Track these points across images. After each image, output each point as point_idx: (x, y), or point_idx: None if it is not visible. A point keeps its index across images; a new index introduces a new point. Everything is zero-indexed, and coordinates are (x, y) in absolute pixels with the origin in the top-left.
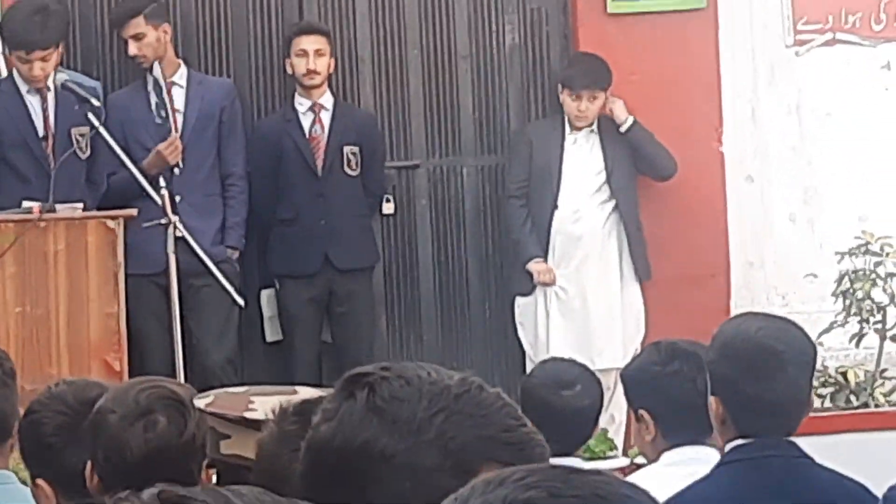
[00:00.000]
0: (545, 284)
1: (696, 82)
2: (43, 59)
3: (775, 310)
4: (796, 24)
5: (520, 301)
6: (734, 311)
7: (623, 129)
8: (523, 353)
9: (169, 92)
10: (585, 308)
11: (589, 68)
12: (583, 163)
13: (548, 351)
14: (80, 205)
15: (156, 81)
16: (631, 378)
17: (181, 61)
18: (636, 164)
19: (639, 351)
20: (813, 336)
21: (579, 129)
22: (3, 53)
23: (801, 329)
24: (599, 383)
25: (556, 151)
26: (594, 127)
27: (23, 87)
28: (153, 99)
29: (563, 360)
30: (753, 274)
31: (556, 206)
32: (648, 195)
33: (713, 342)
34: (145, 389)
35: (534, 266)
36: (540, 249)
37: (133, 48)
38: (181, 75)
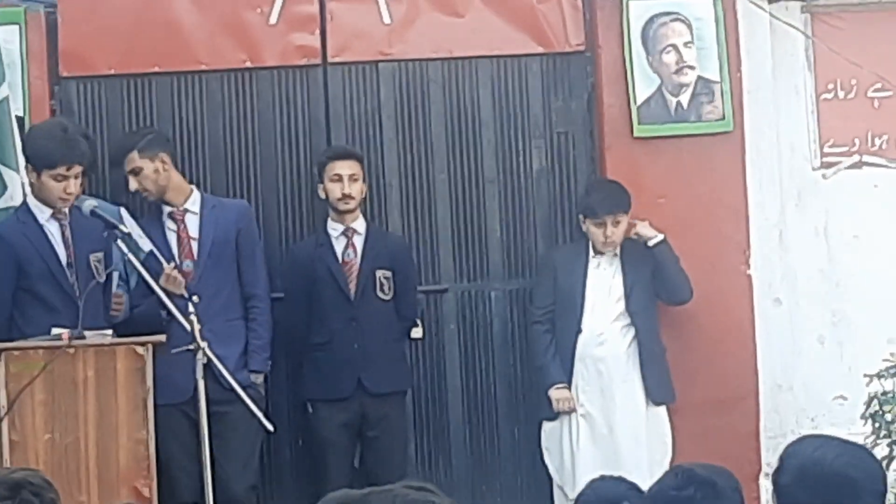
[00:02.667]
0: (564, 412)
1: (723, 205)
2: (76, 177)
3: (804, 433)
4: (823, 147)
5: (546, 426)
6: (763, 435)
7: (652, 243)
8: (550, 479)
9: (182, 219)
10: (612, 433)
11: (608, 193)
12: (606, 286)
13: (574, 477)
14: (110, 331)
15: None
16: (651, 500)
17: (193, 187)
18: (655, 287)
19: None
20: None
21: (604, 253)
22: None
23: (873, 456)
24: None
25: (580, 275)
26: (617, 250)
27: (40, 216)
28: (169, 228)
29: (611, 478)
30: (782, 397)
31: (579, 330)
32: (677, 319)
33: (785, 465)
34: None
35: (554, 393)
36: (563, 375)
37: (133, 183)
38: (194, 201)
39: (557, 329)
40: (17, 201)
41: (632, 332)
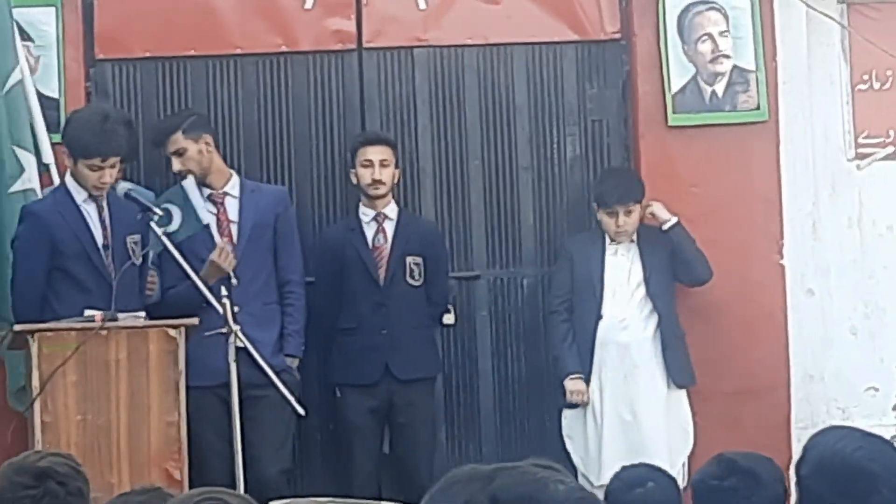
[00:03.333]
0: (574, 405)
1: (756, 195)
2: (112, 167)
3: (835, 423)
4: (857, 138)
5: (567, 413)
6: (794, 425)
7: (666, 227)
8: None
9: (222, 202)
10: (636, 419)
11: (619, 182)
12: (625, 272)
13: (599, 464)
14: (143, 313)
15: (182, 195)
16: (694, 488)
17: (232, 171)
18: (674, 270)
19: (686, 464)
20: None
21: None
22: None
23: (895, 449)
24: (676, 485)
25: (598, 263)
26: (633, 237)
27: (77, 197)
28: (167, 207)
29: (639, 464)
30: (814, 387)
31: (600, 317)
32: (709, 308)
33: (807, 455)
34: (204, 501)
35: (569, 384)
36: (578, 365)
37: (176, 164)
38: (234, 185)
39: (576, 316)
40: (35, 184)
41: (655, 317)
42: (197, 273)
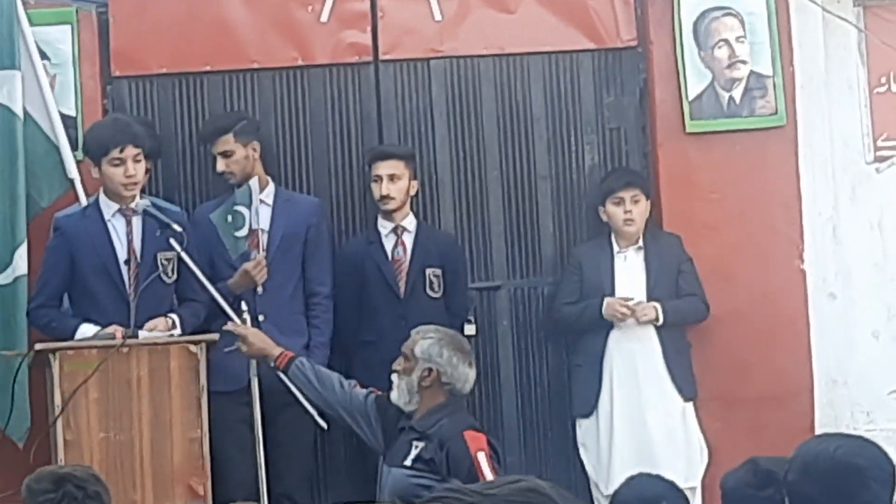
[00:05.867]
0: (621, 316)
1: (776, 200)
2: (135, 160)
3: (860, 427)
4: (876, 141)
5: (582, 423)
6: (818, 430)
7: (660, 323)
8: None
9: (256, 209)
10: (646, 428)
11: (624, 172)
12: (635, 281)
13: (609, 473)
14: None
15: (249, 194)
16: (727, 493)
17: (269, 178)
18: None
19: (702, 474)
20: None
21: (626, 242)
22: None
23: (878, 446)
24: (686, 500)
25: (607, 269)
26: (640, 243)
27: (106, 212)
28: (239, 210)
29: (648, 475)
30: (837, 392)
31: (612, 326)
32: (730, 314)
33: (793, 464)
34: None
35: (609, 300)
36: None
37: (221, 164)
38: (268, 193)
39: None
40: (84, 203)
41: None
42: (223, 280)
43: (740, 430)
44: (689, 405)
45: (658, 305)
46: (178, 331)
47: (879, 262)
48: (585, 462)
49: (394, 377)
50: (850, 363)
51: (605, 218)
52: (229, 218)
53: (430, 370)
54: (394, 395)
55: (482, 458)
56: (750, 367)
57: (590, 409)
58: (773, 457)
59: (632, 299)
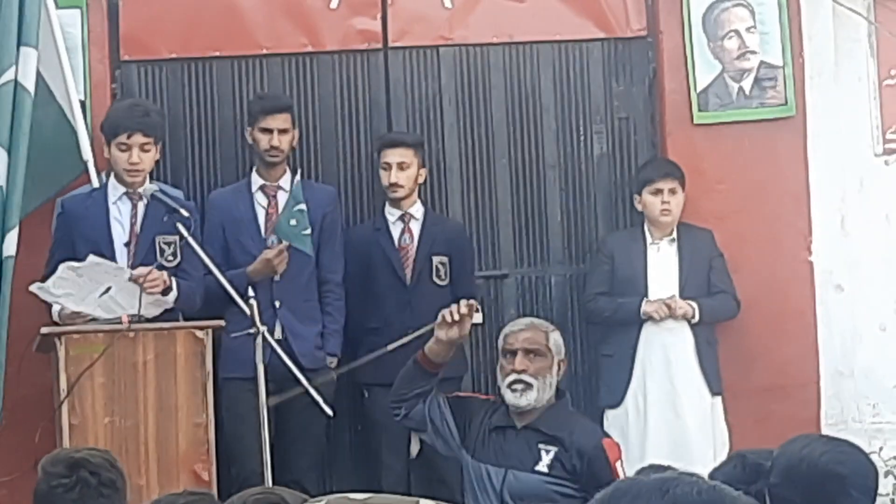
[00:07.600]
0: (659, 317)
1: (784, 191)
2: (142, 149)
3: (866, 419)
4: (885, 133)
5: (609, 414)
6: (824, 422)
7: (695, 321)
8: None
9: (275, 195)
10: (679, 418)
11: (662, 162)
12: (666, 272)
13: (642, 464)
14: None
15: (301, 190)
16: None
17: (287, 166)
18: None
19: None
20: None
21: (661, 233)
22: (96, 163)
23: (863, 453)
24: None
25: (640, 260)
26: (674, 235)
27: (113, 195)
28: (299, 209)
29: (660, 466)
30: (843, 384)
31: (646, 319)
32: None
33: (775, 465)
34: (262, 499)
35: (647, 305)
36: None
37: (276, 139)
38: (286, 179)
39: None
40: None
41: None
42: (240, 265)
43: (746, 421)
44: (718, 399)
45: (695, 304)
46: (173, 294)
47: (887, 254)
48: None
49: (520, 381)
50: (857, 355)
51: (640, 207)
52: (293, 221)
53: (562, 363)
54: (525, 400)
55: (619, 467)
56: (756, 358)
57: (619, 400)
58: (761, 449)
59: (672, 297)
